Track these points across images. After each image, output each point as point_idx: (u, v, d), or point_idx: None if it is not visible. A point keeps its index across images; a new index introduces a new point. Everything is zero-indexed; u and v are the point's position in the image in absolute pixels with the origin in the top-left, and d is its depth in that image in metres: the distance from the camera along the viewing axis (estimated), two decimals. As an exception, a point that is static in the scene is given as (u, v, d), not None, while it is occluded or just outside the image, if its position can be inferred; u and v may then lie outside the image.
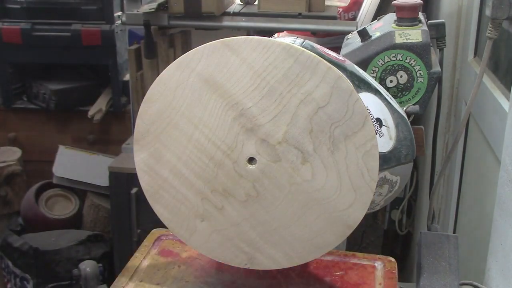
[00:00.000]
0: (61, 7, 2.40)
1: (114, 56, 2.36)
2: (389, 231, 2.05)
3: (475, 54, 1.45)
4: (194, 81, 0.71)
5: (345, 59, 0.84)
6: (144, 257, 0.88)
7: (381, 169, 0.78)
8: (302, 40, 0.80)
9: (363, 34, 0.96)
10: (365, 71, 0.90)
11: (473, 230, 1.29)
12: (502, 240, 0.83)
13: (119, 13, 1.90)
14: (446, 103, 1.60)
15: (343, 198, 0.70)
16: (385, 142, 0.81)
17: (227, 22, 1.70)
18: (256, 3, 1.77)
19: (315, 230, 0.73)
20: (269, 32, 1.67)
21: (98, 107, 2.41)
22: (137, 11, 1.78)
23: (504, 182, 0.82)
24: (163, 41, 1.82)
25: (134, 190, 1.87)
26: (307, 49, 0.72)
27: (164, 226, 0.79)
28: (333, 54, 0.81)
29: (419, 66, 0.92)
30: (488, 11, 1.00)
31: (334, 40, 1.76)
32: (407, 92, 0.94)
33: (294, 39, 0.79)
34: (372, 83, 0.83)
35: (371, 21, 1.49)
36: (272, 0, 1.68)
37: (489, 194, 1.08)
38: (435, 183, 1.10)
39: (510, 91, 0.99)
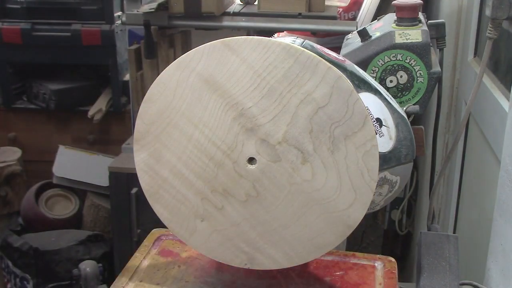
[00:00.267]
0: (61, 7, 2.40)
1: (114, 56, 2.36)
2: (389, 231, 2.05)
3: (475, 54, 1.45)
4: (194, 81, 0.71)
5: (345, 59, 0.84)
6: (144, 257, 0.88)
7: (381, 169, 0.78)
8: (302, 40, 0.80)
9: (363, 34, 0.96)
10: (365, 71, 0.90)
11: (473, 230, 1.29)
12: (502, 240, 0.83)
13: (119, 13, 1.90)
14: (446, 103, 1.60)
15: (343, 198, 0.70)
16: (385, 142, 0.81)
17: (227, 22, 1.70)
18: (256, 3, 1.77)
19: (315, 230, 0.73)
20: (269, 32, 1.67)
21: (98, 107, 2.41)
22: (137, 11, 1.78)
23: (504, 182, 0.82)
24: (163, 41, 1.82)
25: (134, 190, 1.87)
26: (307, 49, 0.72)
27: (164, 226, 0.79)
28: (333, 54, 0.81)
29: (419, 66, 0.92)
30: (488, 11, 1.00)
31: (334, 40, 1.76)
32: (407, 92, 0.94)
33: (294, 39, 0.79)
34: (372, 83, 0.83)
35: (371, 21, 1.49)
36: (272, 0, 1.68)
37: (489, 194, 1.08)
38: (435, 183, 1.10)
39: (510, 91, 0.99)
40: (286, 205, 0.72)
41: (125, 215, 1.92)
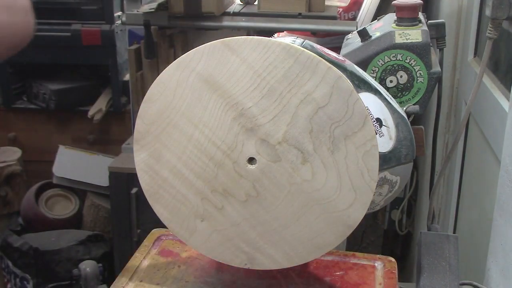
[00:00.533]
0: (61, 7, 2.39)
1: (114, 56, 2.35)
2: (389, 231, 2.05)
3: (475, 54, 1.45)
4: (194, 81, 0.71)
5: (345, 59, 0.84)
6: (144, 257, 0.88)
7: (381, 169, 0.78)
8: (302, 40, 0.80)
9: (363, 34, 0.96)
10: (365, 71, 0.90)
11: (473, 230, 1.29)
12: (502, 240, 0.83)
13: (119, 13, 1.91)
14: (446, 103, 1.61)
15: (343, 198, 0.70)
16: (385, 142, 0.81)
17: (227, 22, 1.70)
18: (256, 3, 1.77)
19: (315, 230, 0.72)
20: (269, 32, 1.67)
21: (98, 107, 2.41)
22: (137, 11, 1.78)
23: (504, 182, 0.82)
24: (163, 41, 1.82)
25: (134, 190, 1.87)
26: (307, 49, 0.72)
27: (164, 226, 0.79)
28: (333, 54, 0.81)
29: (419, 66, 0.92)
30: (488, 11, 1.00)
31: (334, 40, 1.76)
32: (407, 92, 0.94)
33: (294, 39, 0.79)
34: (372, 83, 0.83)
35: (371, 21, 1.49)
36: (272, 0, 1.68)
37: (489, 194, 1.08)
38: (435, 183, 1.10)
39: (510, 91, 0.99)
40: (286, 205, 0.72)
41: (125, 215, 1.92)
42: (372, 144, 0.68)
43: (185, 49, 1.66)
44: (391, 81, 0.94)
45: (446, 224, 1.57)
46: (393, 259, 0.87)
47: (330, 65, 0.68)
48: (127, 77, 2.23)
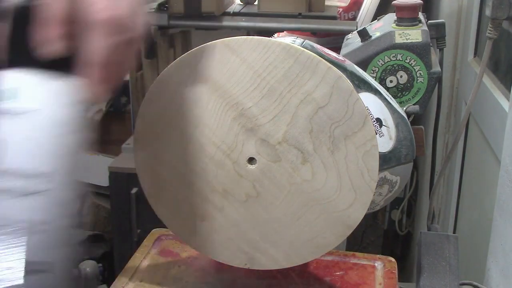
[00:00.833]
0: (61, 7, 2.40)
1: (114, 56, 2.35)
2: (389, 231, 2.05)
3: (475, 54, 1.45)
4: (194, 81, 0.71)
5: (345, 59, 0.84)
6: (144, 257, 0.88)
7: (381, 169, 0.78)
8: (302, 40, 0.80)
9: (363, 34, 0.96)
10: (365, 71, 0.90)
11: (473, 230, 1.29)
12: (502, 240, 0.83)
13: (119, 13, 1.90)
14: (446, 103, 1.61)
15: (343, 198, 0.70)
16: (385, 142, 0.81)
17: (227, 22, 1.70)
18: (256, 3, 1.77)
19: (315, 230, 0.72)
20: (269, 32, 1.67)
21: (98, 107, 2.41)
22: (137, 11, 1.77)
23: (504, 182, 0.82)
24: (163, 41, 1.82)
25: (134, 190, 1.87)
26: (307, 49, 0.72)
27: (164, 226, 0.79)
28: (333, 54, 0.81)
29: (419, 66, 0.92)
30: (488, 11, 1.00)
31: (334, 40, 1.76)
32: (407, 92, 0.94)
33: (294, 39, 0.79)
34: (372, 83, 0.83)
35: (371, 21, 1.49)
36: (272, 0, 1.68)
37: (489, 194, 1.09)
38: (435, 183, 1.10)
39: (510, 91, 0.99)
40: (286, 205, 0.72)
41: (125, 215, 1.92)
42: (372, 144, 0.68)
43: (185, 49, 1.66)
44: (391, 81, 0.94)
45: (446, 224, 1.57)
46: (393, 259, 0.87)
47: (330, 65, 0.68)
48: (127, 77, 2.23)
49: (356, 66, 0.84)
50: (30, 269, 0.45)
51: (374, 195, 0.71)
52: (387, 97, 0.84)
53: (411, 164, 0.85)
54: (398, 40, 0.93)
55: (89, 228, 2.33)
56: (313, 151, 0.70)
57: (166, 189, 0.76)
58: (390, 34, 0.94)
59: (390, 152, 0.81)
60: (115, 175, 1.91)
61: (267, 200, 0.73)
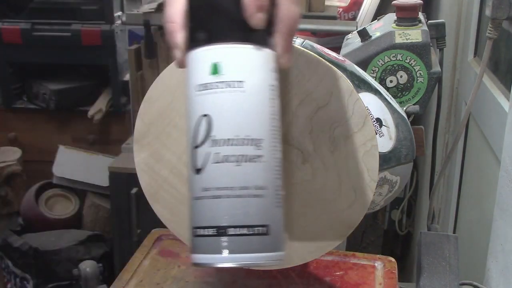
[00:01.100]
0: (61, 7, 2.40)
1: (114, 56, 2.35)
2: (389, 231, 2.05)
3: (475, 54, 1.45)
4: (194, 81, 0.71)
5: (345, 59, 0.84)
6: (144, 257, 0.88)
7: (381, 169, 0.78)
8: (302, 40, 0.80)
9: (363, 34, 0.96)
10: (365, 71, 0.90)
11: (473, 230, 1.29)
12: (502, 240, 0.83)
13: (119, 13, 1.91)
14: (446, 103, 1.61)
15: (343, 198, 0.70)
16: (385, 142, 0.81)
17: (227, 22, 1.69)
18: (256, 3, 1.76)
19: (315, 230, 0.72)
20: (269, 32, 1.66)
21: (98, 107, 2.41)
22: (137, 11, 1.78)
23: (504, 182, 0.82)
24: (163, 41, 1.82)
25: (134, 190, 1.87)
26: (307, 49, 0.72)
27: (164, 226, 0.79)
28: (333, 54, 0.81)
29: (419, 66, 0.92)
30: (488, 11, 1.00)
31: (334, 40, 1.76)
32: (407, 92, 0.94)
33: (294, 39, 0.79)
34: (372, 83, 0.83)
35: (371, 21, 1.49)
36: (272, 0, 1.68)
37: (489, 194, 1.08)
38: (435, 183, 1.10)
39: (510, 91, 0.99)
40: (286, 205, 0.72)
41: (125, 215, 1.92)
42: (372, 144, 0.68)
43: (185, 49, 1.65)
44: (391, 81, 0.94)
45: (446, 224, 1.57)
46: (393, 259, 0.87)
47: (330, 65, 0.68)
48: (127, 77, 2.24)
49: (356, 66, 0.84)
50: (252, 232, 0.49)
51: (374, 195, 0.71)
52: (387, 97, 0.84)
53: (411, 164, 0.85)
54: (398, 40, 0.93)
55: (89, 228, 2.34)
56: (313, 151, 0.70)
57: (165, 189, 0.76)
58: (390, 34, 0.94)
59: (390, 152, 0.81)
60: (115, 175, 1.91)
61: (267, 200, 0.73)
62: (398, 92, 0.94)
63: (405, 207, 1.97)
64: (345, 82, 0.68)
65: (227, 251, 0.49)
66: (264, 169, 0.51)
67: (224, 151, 0.50)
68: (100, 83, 2.53)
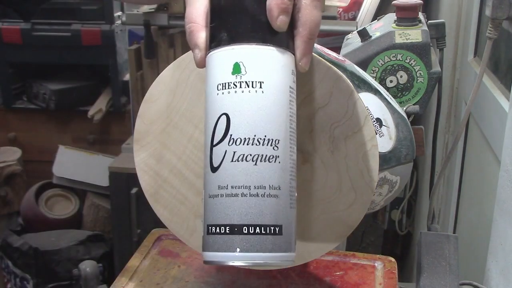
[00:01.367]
0: (61, 7, 2.40)
1: (114, 56, 2.36)
2: (389, 231, 2.05)
3: (475, 54, 1.45)
4: (194, 81, 0.71)
5: (345, 59, 0.84)
6: (144, 257, 0.88)
7: (381, 169, 0.78)
8: (302, 40, 0.80)
9: (363, 34, 0.96)
10: (365, 71, 0.90)
11: (473, 230, 1.29)
12: (502, 240, 0.83)
13: (119, 13, 1.91)
14: (446, 103, 1.61)
15: (343, 198, 0.70)
16: (385, 142, 0.81)
17: (227, 22, 1.69)
18: (256, 3, 1.76)
19: (315, 230, 0.72)
20: (269, 32, 1.66)
21: (98, 107, 2.41)
22: (137, 11, 1.78)
23: (504, 182, 0.82)
24: (163, 41, 1.83)
25: (134, 190, 1.87)
26: (307, 49, 0.72)
27: (164, 226, 0.79)
28: (333, 54, 0.81)
29: (419, 66, 0.92)
30: (488, 11, 1.00)
31: (334, 40, 1.76)
32: (407, 92, 0.94)
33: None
34: (372, 83, 0.83)
35: (371, 21, 1.49)
36: (272, 0, 1.68)
37: (489, 194, 1.08)
38: (435, 183, 1.10)
39: (510, 91, 0.99)
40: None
41: (125, 215, 1.92)
42: (372, 144, 0.68)
43: (185, 49, 1.66)
44: (391, 81, 0.94)
45: (446, 224, 1.57)
46: (393, 259, 0.87)
47: (330, 65, 0.68)
48: (127, 77, 2.24)
49: (356, 66, 0.84)
50: (265, 232, 0.50)
51: (374, 195, 0.71)
52: (387, 97, 0.84)
53: (411, 164, 0.85)
54: (398, 40, 0.93)
55: (89, 228, 2.34)
56: (313, 151, 0.70)
57: (165, 189, 0.76)
58: (390, 34, 0.94)
59: (390, 152, 0.81)
60: (115, 175, 1.91)
61: (267, 200, 0.73)
62: (398, 92, 0.94)
63: (405, 207, 1.97)
64: (345, 82, 0.68)
65: (239, 249, 0.49)
66: (280, 170, 0.51)
67: (241, 150, 0.50)
68: (100, 83, 2.53)
